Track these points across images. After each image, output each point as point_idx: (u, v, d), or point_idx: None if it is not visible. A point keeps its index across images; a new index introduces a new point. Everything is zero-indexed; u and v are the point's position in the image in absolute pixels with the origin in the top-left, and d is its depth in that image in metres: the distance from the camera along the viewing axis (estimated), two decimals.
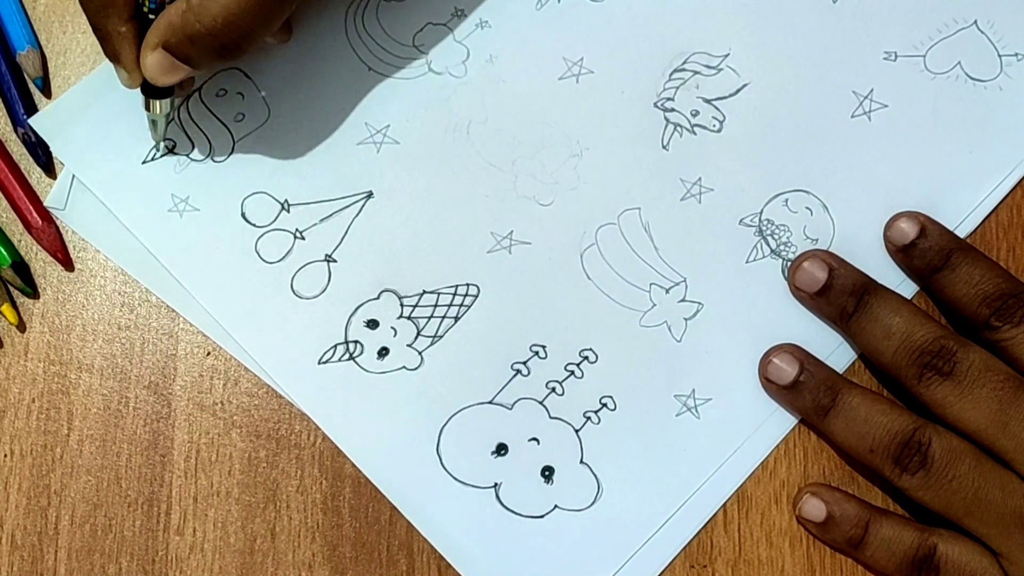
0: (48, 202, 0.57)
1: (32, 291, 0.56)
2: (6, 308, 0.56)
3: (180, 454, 0.55)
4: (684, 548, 0.55)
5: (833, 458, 0.55)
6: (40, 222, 0.56)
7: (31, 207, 0.57)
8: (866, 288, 0.54)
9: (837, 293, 0.55)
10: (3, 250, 0.56)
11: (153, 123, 0.56)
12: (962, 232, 0.57)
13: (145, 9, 0.52)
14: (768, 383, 0.55)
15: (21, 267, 0.56)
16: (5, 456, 0.55)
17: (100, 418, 0.55)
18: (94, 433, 0.55)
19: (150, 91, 0.54)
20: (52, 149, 0.57)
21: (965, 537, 0.52)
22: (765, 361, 0.55)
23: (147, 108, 0.55)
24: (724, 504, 0.55)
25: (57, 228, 0.57)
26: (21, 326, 0.56)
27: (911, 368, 0.53)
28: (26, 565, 0.54)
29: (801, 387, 0.54)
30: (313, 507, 0.55)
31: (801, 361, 0.54)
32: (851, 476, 0.55)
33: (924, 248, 0.55)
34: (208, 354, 0.56)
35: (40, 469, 0.55)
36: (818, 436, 0.55)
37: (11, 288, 0.56)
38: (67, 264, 0.56)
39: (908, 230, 0.55)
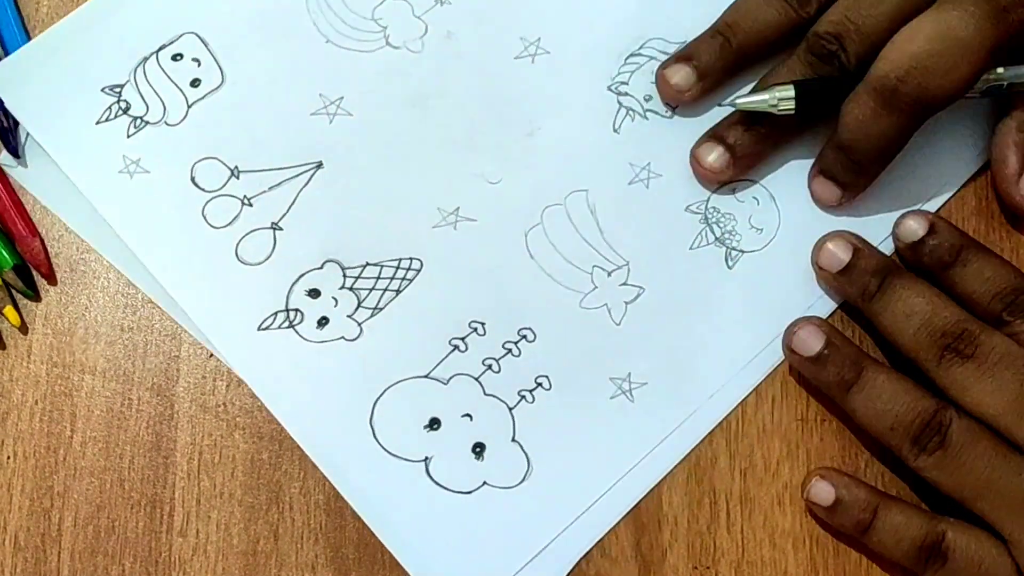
0: (2, 159, 0.57)
1: (34, 294, 0.56)
2: (8, 310, 0.56)
3: (183, 456, 0.55)
4: (600, 541, 0.54)
5: (835, 460, 0.55)
6: (25, 233, 0.57)
7: (16, 219, 0.57)
8: (890, 269, 0.54)
9: (860, 273, 0.55)
10: (5, 253, 0.56)
11: (758, 106, 0.55)
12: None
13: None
14: (792, 354, 0.55)
15: (23, 270, 0.57)
16: (8, 458, 0.55)
17: (103, 420, 0.55)
18: (97, 435, 0.55)
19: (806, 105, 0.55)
20: (5, 103, 0.57)
21: (974, 526, 0.52)
22: (790, 333, 0.55)
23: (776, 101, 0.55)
24: (651, 490, 0.54)
25: (42, 241, 0.57)
26: (23, 328, 0.56)
27: (931, 349, 0.53)
28: (29, 567, 0.54)
29: (826, 360, 0.54)
30: (316, 509, 0.55)
31: (827, 335, 0.54)
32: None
33: (934, 245, 0.55)
34: (211, 355, 0.56)
35: (43, 471, 0.55)
36: (838, 414, 0.55)
37: (13, 291, 0.56)
38: (49, 277, 0.57)
39: (917, 227, 0.55)
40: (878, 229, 0.57)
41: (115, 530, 0.54)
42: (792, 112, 0.54)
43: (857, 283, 0.55)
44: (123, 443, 0.55)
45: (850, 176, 0.55)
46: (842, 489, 0.53)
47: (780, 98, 0.54)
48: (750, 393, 0.56)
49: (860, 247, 0.55)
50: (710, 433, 0.55)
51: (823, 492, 0.53)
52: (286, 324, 0.56)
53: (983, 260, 0.54)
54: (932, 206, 0.58)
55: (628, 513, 0.54)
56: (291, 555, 0.54)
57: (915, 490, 0.55)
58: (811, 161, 0.57)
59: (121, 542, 0.54)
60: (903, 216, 0.56)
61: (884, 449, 0.54)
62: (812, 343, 0.54)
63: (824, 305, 0.57)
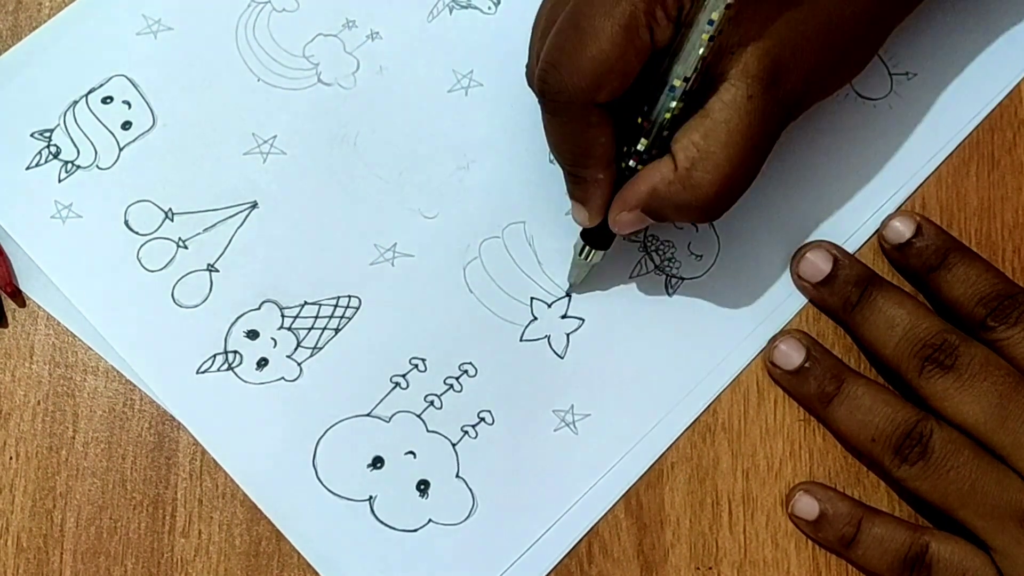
0: None
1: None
2: None
3: (185, 456, 0.55)
4: (564, 558, 0.54)
5: (838, 460, 0.55)
6: None
7: None
8: (870, 280, 0.55)
9: (842, 284, 0.55)
10: None
11: (580, 268, 0.55)
12: (849, 248, 0.57)
13: (624, 165, 0.51)
14: (773, 367, 0.55)
15: None
16: (11, 459, 0.54)
17: (105, 420, 0.55)
18: (99, 435, 0.55)
19: (594, 241, 0.54)
20: None
21: (958, 537, 0.52)
22: (772, 346, 0.55)
23: (580, 254, 0.54)
24: (598, 521, 0.54)
25: (7, 260, 0.56)
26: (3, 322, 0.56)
27: (912, 360, 0.53)
28: (32, 567, 0.53)
29: (806, 373, 0.54)
30: None
31: (808, 348, 0.54)
32: (856, 478, 0.55)
33: (921, 247, 0.55)
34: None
35: (45, 471, 0.54)
36: (821, 424, 0.55)
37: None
38: (15, 296, 0.56)
39: (904, 229, 0.55)
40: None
41: (117, 531, 0.54)
42: (602, 252, 0.54)
43: (838, 294, 0.55)
44: (125, 443, 0.55)
45: (569, 187, 0.53)
46: (826, 503, 0.53)
47: (588, 260, 0.55)
48: (703, 413, 0.56)
49: (840, 258, 0.55)
50: (714, 439, 0.56)
51: (807, 507, 0.54)
52: (225, 366, 0.55)
53: (968, 264, 0.54)
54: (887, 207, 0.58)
55: (575, 546, 0.54)
56: (293, 555, 0.54)
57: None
58: None
59: (123, 543, 0.54)
60: (890, 218, 0.56)
61: None
62: (793, 356, 0.54)
63: (766, 329, 0.56)
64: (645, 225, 0.52)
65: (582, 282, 0.56)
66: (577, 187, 0.52)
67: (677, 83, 0.48)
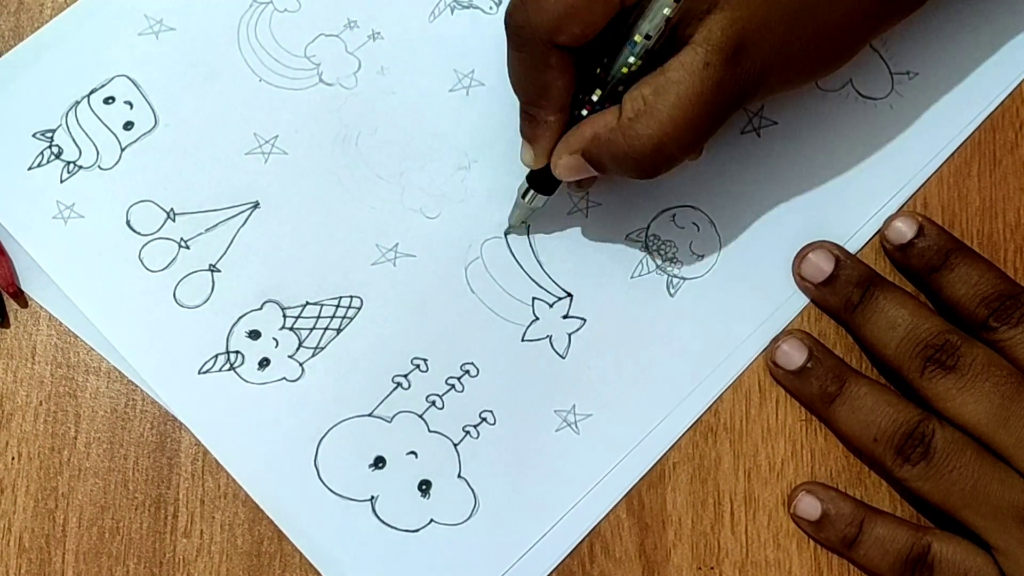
0: None
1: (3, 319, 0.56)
2: None
3: (187, 456, 0.55)
4: (566, 558, 0.54)
5: (840, 460, 0.55)
6: None
7: None
8: (872, 280, 0.55)
9: (843, 284, 0.55)
10: None
11: (521, 210, 0.56)
12: (851, 248, 0.57)
13: (576, 113, 0.52)
14: (775, 367, 0.55)
15: None
16: (13, 459, 0.54)
17: (107, 420, 0.55)
18: (101, 436, 0.55)
19: (538, 185, 0.54)
20: None
21: (960, 537, 0.52)
22: (774, 346, 0.55)
23: (523, 196, 0.55)
24: (600, 521, 0.54)
25: (9, 260, 0.56)
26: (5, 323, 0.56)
27: (914, 361, 0.53)
28: (34, 567, 0.53)
29: (808, 373, 0.54)
30: None
31: (810, 348, 0.54)
32: (858, 478, 0.55)
33: (922, 248, 0.55)
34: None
35: (48, 472, 0.54)
36: (823, 424, 0.55)
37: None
38: (17, 296, 0.56)
39: (906, 230, 0.55)
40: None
41: (119, 531, 0.54)
42: (545, 197, 0.55)
43: (840, 294, 0.55)
44: (127, 444, 0.55)
45: (524, 128, 0.54)
46: (828, 504, 0.53)
47: (530, 204, 0.55)
48: (705, 413, 0.56)
49: (842, 258, 0.55)
50: (715, 439, 0.56)
51: (809, 507, 0.54)
52: (227, 367, 0.55)
53: (970, 264, 0.54)
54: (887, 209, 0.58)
55: (577, 546, 0.54)
56: (295, 556, 0.54)
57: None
58: (750, 186, 0.57)
59: (125, 543, 0.54)
60: (892, 218, 0.56)
61: None
62: (795, 356, 0.54)
63: (768, 329, 0.56)
64: (585, 175, 0.52)
65: (521, 225, 0.57)
66: (528, 125, 0.53)
67: (638, 39, 0.49)
